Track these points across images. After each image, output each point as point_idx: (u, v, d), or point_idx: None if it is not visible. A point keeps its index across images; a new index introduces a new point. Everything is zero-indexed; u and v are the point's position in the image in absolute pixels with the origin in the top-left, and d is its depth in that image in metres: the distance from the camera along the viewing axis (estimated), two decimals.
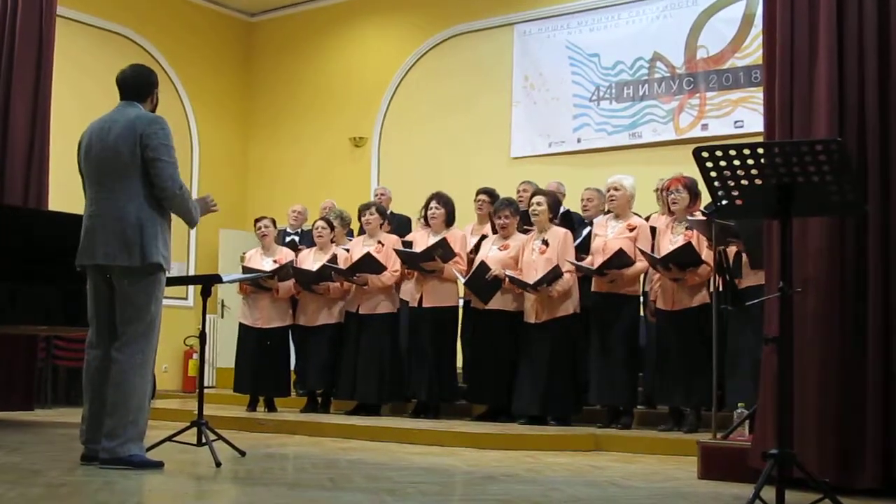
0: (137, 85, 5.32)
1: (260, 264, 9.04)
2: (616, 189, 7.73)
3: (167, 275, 5.29)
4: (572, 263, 7.75)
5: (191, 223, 5.37)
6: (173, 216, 5.27)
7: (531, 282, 7.75)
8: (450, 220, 8.69)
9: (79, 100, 10.93)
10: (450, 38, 12.67)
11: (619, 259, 7.46)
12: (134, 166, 5.08)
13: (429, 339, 8.47)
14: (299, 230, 10.47)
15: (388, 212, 9.66)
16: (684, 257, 7.08)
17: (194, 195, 12.88)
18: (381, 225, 9.03)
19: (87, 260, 5.16)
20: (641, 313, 7.88)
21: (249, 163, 14.34)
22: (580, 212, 8.68)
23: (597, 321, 7.72)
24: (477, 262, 8.20)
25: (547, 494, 4.59)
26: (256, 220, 9.38)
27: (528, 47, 11.98)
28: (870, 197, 4.61)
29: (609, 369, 7.53)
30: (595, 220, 8.09)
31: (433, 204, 8.67)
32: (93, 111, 5.46)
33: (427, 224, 8.76)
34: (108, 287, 5.18)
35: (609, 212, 7.88)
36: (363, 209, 9.13)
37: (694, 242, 7.10)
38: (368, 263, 8.58)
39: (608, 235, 7.69)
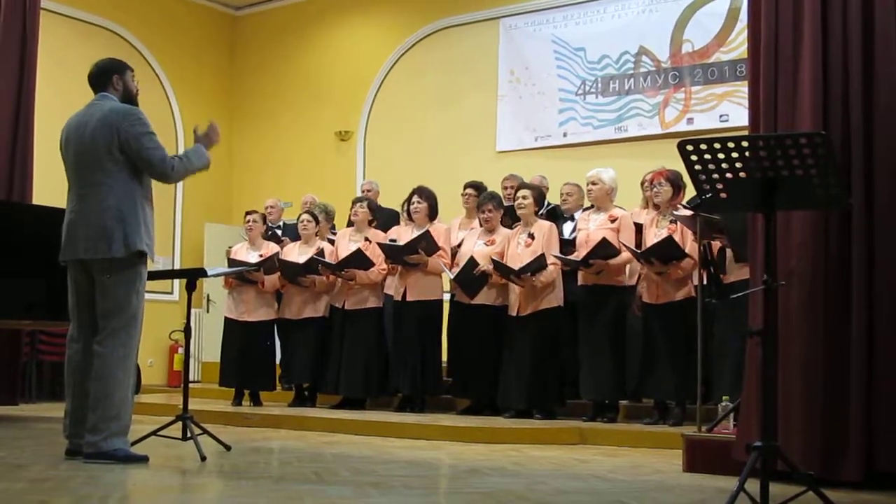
0: (98, 76, 5.32)
1: (246, 258, 9.02)
2: (594, 183, 7.77)
3: (152, 264, 5.27)
4: (557, 257, 7.76)
5: (205, 169, 5.40)
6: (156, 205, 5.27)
7: None
8: (432, 214, 8.67)
9: (62, 94, 10.80)
10: (436, 32, 12.65)
11: (604, 249, 7.47)
12: (112, 159, 5.07)
13: (413, 334, 8.46)
14: (281, 223, 10.46)
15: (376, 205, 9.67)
16: (666, 251, 7.09)
17: (180, 193, 13.12)
18: (371, 222, 9.01)
19: (70, 255, 5.14)
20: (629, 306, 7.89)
21: (234, 157, 14.29)
22: (560, 205, 8.69)
23: (583, 314, 7.73)
24: (464, 257, 8.19)
25: (532, 488, 4.59)
26: (247, 213, 9.38)
27: (514, 41, 11.97)
28: (853, 190, 4.62)
29: (595, 363, 7.55)
30: (577, 215, 8.11)
31: (415, 198, 8.66)
32: (76, 105, 5.42)
33: (410, 218, 8.75)
34: (88, 281, 5.16)
35: (590, 206, 7.90)
36: (356, 202, 9.13)
37: (678, 236, 7.12)
38: (358, 259, 8.58)
39: (590, 228, 7.72)
